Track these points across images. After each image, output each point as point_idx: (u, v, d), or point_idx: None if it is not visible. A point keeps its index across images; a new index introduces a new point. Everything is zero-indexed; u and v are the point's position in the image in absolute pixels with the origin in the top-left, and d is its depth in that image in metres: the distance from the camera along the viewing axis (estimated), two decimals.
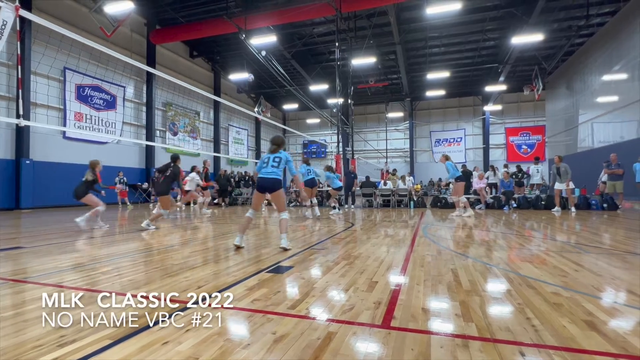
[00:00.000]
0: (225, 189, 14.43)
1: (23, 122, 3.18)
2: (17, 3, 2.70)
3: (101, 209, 6.49)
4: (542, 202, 11.64)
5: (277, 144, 4.48)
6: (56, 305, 2.21)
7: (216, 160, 22.35)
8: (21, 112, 4.14)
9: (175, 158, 6.57)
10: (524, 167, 13.86)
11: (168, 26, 17.35)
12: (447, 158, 8.93)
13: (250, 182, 16.79)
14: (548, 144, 22.04)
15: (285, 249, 4.13)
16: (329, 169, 10.89)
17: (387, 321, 1.96)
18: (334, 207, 10.28)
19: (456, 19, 16.46)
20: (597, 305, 2.20)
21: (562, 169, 9.65)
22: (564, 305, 2.21)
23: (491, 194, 12.39)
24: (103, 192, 6.83)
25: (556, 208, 10.12)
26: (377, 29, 17.12)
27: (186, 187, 10.82)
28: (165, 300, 2.34)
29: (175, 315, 2.06)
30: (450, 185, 11.50)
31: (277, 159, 4.33)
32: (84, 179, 6.50)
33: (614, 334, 1.78)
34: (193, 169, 11.02)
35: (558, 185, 9.89)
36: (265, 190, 4.34)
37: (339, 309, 2.16)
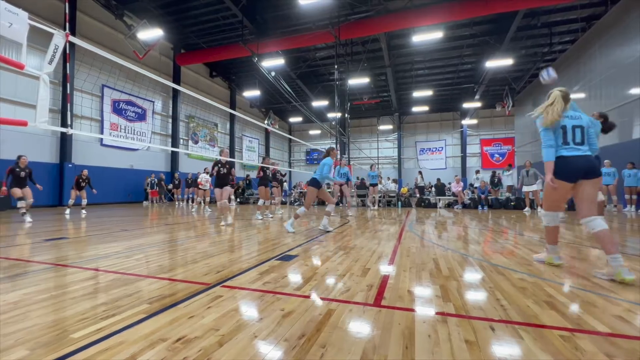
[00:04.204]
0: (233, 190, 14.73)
1: (71, 131, 3.22)
2: (67, 30, 2.75)
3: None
4: (512, 203, 11.66)
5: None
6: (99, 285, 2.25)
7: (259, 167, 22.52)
8: (69, 123, 4.19)
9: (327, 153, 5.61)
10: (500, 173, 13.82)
11: (191, 50, 17.47)
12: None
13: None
14: (517, 153, 22.03)
15: None
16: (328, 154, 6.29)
17: (378, 301, 1.99)
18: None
19: (438, 46, 16.56)
20: (556, 289, 2.23)
21: (531, 172, 9.34)
22: (529, 289, 2.24)
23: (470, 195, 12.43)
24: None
25: (526, 208, 10.07)
26: (370, 54, 17.23)
27: (204, 187, 11.03)
28: (191, 282, 2.38)
29: (199, 294, 2.10)
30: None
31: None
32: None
33: (570, 312, 1.81)
34: (204, 170, 11.24)
35: (527, 188, 9.71)
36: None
37: (337, 291, 2.19)
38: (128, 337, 1.48)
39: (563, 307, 1.88)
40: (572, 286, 2.32)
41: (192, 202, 12.94)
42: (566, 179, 2.57)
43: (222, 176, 6.30)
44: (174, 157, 17.62)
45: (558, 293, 2.15)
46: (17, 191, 6.74)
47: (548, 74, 3.13)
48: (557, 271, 2.74)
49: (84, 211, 8.92)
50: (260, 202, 7.83)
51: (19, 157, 6.98)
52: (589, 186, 2.52)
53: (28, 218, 6.62)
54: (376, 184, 11.67)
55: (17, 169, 6.84)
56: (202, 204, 11.88)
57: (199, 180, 11.28)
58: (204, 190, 11.23)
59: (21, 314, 1.76)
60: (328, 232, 5.18)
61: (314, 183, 5.25)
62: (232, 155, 22.58)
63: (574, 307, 1.90)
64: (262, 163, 7.90)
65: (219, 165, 6.27)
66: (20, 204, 6.70)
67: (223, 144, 22.39)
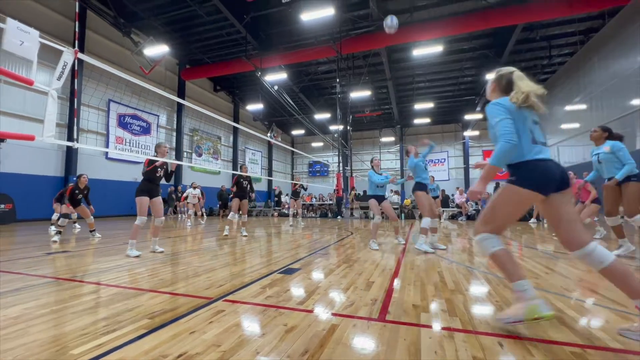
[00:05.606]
0: (227, 202, 14.86)
1: (77, 145, 3.27)
2: (76, 47, 2.83)
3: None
4: None
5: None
6: (100, 299, 2.22)
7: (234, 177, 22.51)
8: (75, 137, 4.26)
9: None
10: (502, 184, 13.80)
11: (196, 65, 17.83)
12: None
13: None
14: None
15: None
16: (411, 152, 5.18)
17: (383, 315, 1.95)
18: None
19: (438, 59, 16.78)
20: (565, 303, 2.18)
21: None
22: None
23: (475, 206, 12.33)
24: None
25: (532, 220, 9.94)
26: (372, 67, 17.49)
27: (189, 200, 11.17)
28: (191, 296, 2.35)
29: (200, 309, 2.07)
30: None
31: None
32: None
33: (581, 327, 1.76)
34: (192, 184, 11.36)
35: None
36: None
37: (340, 305, 2.16)
38: (128, 353, 1.46)
39: (573, 322, 1.83)
40: (582, 300, 2.26)
41: (196, 215, 12.98)
42: (541, 189, 1.70)
43: (156, 181, 4.46)
44: (178, 170, 17.73)
45: (568, 307, 2.09)
46: (60, 207, 6.28)
47: (391, 22, 2.96)
48: (565, 284, 2.68)
49: (77, 225, 8.24)
50: (231, 215, 6.85)
51: (79, 177, 6.38)
52: (565, 201, 1.72)
53: (54, 236, 5.65)
54: (437, 196, 10.60)
55: (77, 191, 6.35)
56: (195, 216, 12.02)
57: (184, 195, 11.42)
58: (194, 204, 11.37)
59: (21, 330, 1.74)
60: (428, 252, 4.31)
61: (422, 187, 4.72)
62: (234, 167, 22.66)
63: (585, 322, 1.85)
64: (240, 171, 7.03)
65: (155, 165, 4.42)
66: (61, 222, 5.97)
67: (226, 157, 22.53)
